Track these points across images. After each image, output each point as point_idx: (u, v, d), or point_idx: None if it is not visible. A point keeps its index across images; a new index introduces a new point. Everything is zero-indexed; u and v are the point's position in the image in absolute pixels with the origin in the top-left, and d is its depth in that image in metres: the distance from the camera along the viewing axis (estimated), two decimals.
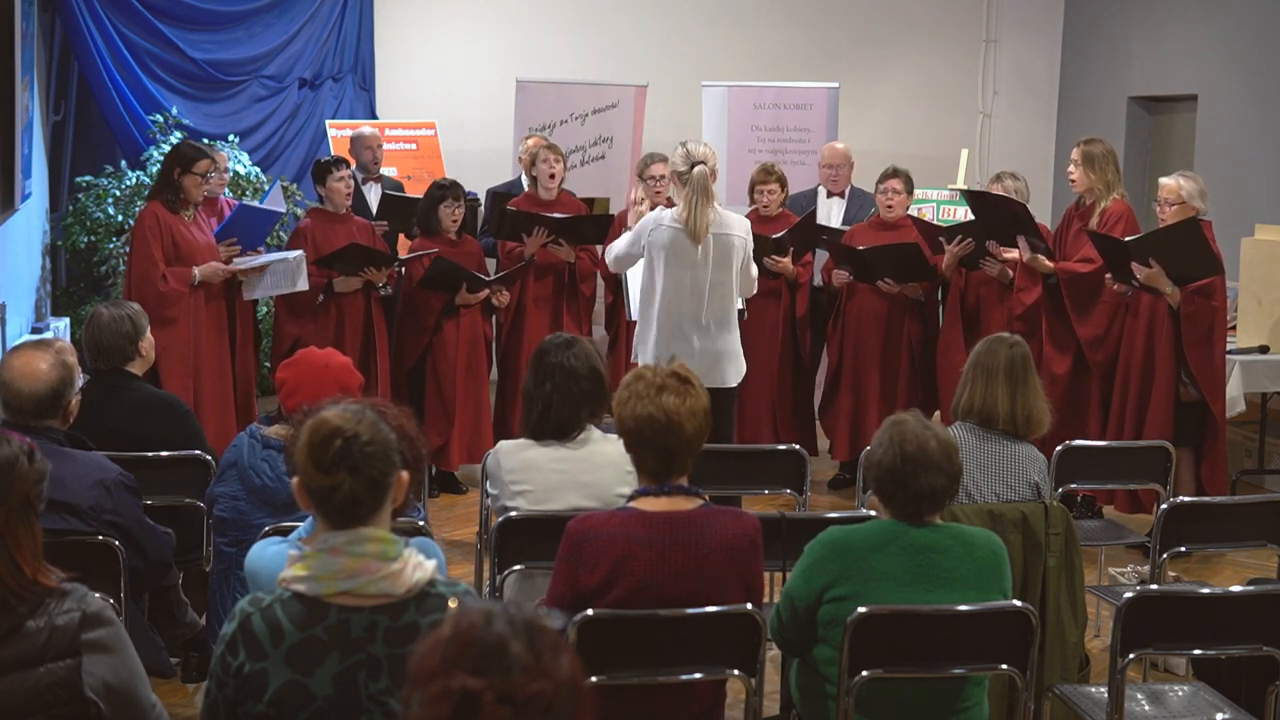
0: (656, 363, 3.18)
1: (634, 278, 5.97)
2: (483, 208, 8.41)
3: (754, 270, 5.55)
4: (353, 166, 7.52)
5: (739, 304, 5.57)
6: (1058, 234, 6.36)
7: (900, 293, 6.78)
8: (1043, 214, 7.22)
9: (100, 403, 4.22)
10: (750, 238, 5.46)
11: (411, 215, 6.99)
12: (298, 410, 2.76)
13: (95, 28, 7.90)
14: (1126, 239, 5.88)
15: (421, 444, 2.59)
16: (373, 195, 7.50)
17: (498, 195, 7.36)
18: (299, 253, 6.37)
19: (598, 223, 6.96)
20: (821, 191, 7.59)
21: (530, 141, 7.35)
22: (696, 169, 5.26)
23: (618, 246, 5.65)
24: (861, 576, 3.08)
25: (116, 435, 4.16)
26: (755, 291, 5.73)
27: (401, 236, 7.36)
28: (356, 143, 7.63)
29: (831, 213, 7.40)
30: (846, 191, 7.56)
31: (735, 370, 5.46)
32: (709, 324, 5.36)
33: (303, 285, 6.35)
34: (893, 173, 6.93)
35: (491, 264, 7.15)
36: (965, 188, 8.02)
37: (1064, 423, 5.55)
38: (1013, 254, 6.35)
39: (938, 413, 6.14)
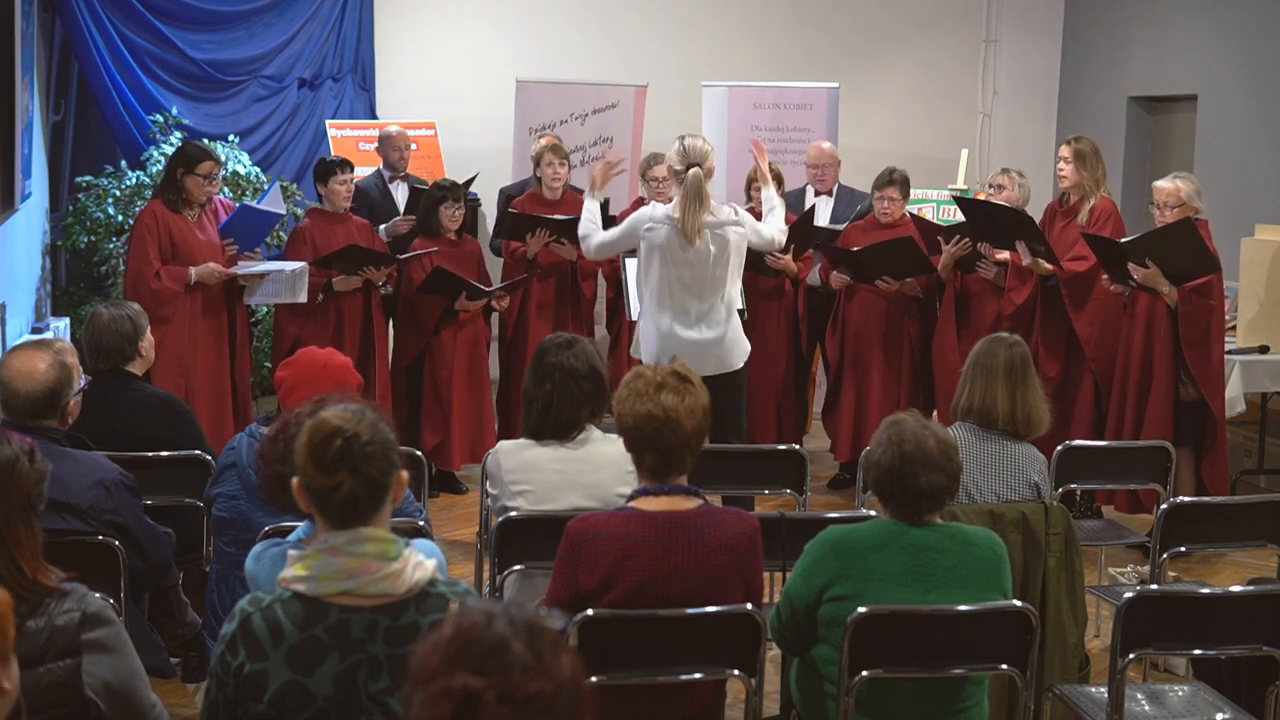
0: (656, 360, 3.19)
1: (634, 278, 5.97)
2: (483, 208, 8.39)
3: (766, 232, 5.57)
4: (380, 165, 7.60)
5: (739, 302, 5.57)
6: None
7: (898, 290, 6.77)
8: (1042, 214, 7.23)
9: (100, 403, 4.22)
10: (747, 221, 5.48)
11: None
12: (295, 408, 2.76)
13: (95, 28, 7.89)
14: (1123, 240, 5.89)
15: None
16: (399, 194, 7.54)
17: (509, 196, 7.40)
18: (301, 264, 6.36)
19: None
20: (809, 190, 7.58)
21: (543, 141, 7.38)
22: (691, 172, 5.27)
23: (605, 235, 5.64)
24: (861, 576, 3.08)
25: (116, 435, 4.16)
26: (780, 240, 5.73)
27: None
28: (384, 142, 7.69)
29: (819, 211, 7.38)
30: (834, 190, 7.55)
31: (740, 352, 5.49)
32: (709, 318, 5.37)
33: (302, 298, 6.33)
34: (889, 180, 6.83)
35: (497, 263, 7.17)
36: (963, 187, 8.02)
37: (1054, 422, 5.55)
38: (1004, 255, 6.35)
39: (935, 412, 6.13)
